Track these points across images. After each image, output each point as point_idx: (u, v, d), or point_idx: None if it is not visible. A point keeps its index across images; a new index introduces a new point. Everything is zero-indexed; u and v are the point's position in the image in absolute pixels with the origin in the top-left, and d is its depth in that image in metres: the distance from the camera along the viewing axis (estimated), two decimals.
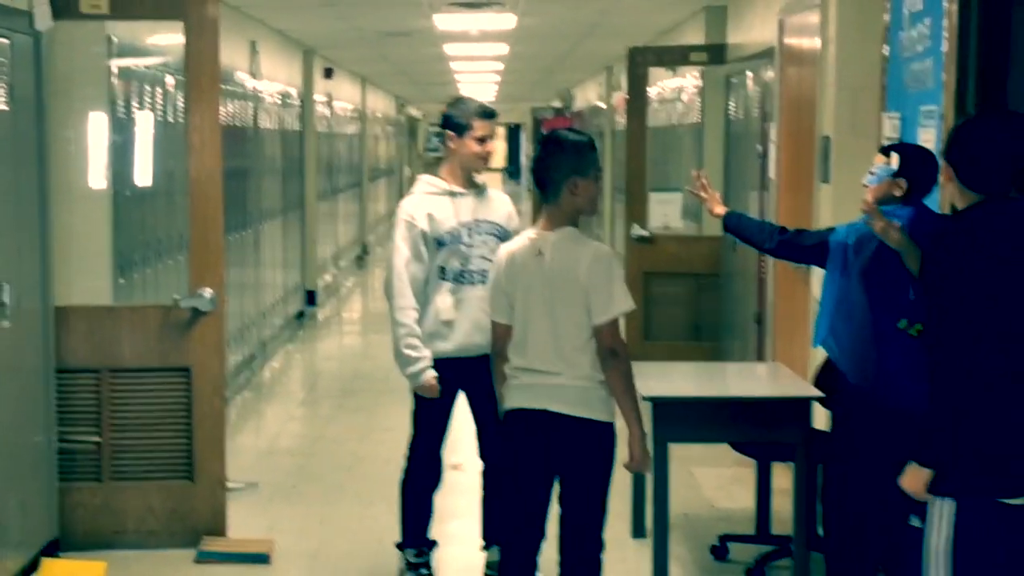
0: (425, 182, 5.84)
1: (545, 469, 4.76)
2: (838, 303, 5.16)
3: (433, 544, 5.99)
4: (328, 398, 10.49)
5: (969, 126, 4.12)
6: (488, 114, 5.82)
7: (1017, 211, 3.94)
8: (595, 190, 4.81)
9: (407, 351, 5.65)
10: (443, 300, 5.70)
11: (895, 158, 5.12)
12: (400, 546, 5.94)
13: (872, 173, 5.17)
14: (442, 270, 5.71)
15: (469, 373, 5.68)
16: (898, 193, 5.07)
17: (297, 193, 14.51)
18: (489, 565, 5.95)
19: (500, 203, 5.92)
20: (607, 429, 4.74)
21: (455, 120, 5.79)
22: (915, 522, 3.95)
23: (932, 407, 3.87)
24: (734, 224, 5.78)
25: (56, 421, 6.33)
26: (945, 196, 4.13)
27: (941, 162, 4.10)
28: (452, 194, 5.77)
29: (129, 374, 6.44)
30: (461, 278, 5.72)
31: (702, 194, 5.86)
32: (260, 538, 6.55)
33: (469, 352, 5.68)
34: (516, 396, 4.80)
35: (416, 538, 5.91)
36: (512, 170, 53.41)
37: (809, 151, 7.41)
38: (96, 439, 6.43)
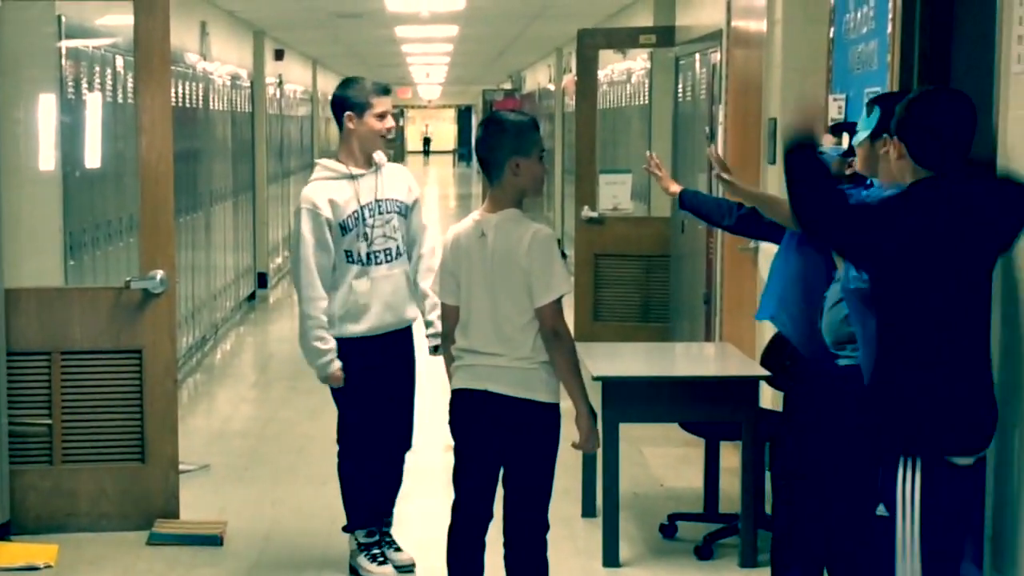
0: (323, 167, 5.80)
1: (489, 449, 4.79)
2: (793, 278, 5.19)
3: (382, 522, 5.99)
4: (280, 380, 10.49)
5: (921, 101, 4.09)
6: (386, 90, 5.80)
7: (963, 192, 3.98)
8: (539, 170, 4.80)
9: (316, 343, 5.67)
10: (353, 283, 5.69)
11: (845, 138, 5.20)
12: (347, 528, 5.96)
13: (821, 154, 5.21)
14: (348, 254, 5.70)
15: (381, 351, 5.75)
16: (848, 172, 5.10)
17: (248, 175, 14.48)
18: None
19: (399, 178, 5.88)
20: (550, 410, 4.75)
21: (353, 100, 5.74)
22: (881, 511, 3.98)
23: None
24: (690, 202, 5.75)
25: (6, 404, 6.31)
26: (892, 172, 4.10)
27: (888, 139, 4.11)
28: (351, 176, 5.73)
29: (80, 356, 6.42)
30: (368, 260, 5.72)
31: (657, 172, 5.86)
32: (212, 520, 6.56)
33: (379, 330, 5.74)
34: (460, 377, 4.83)
35: (364, 518, 5.93)
36: (463, 152, 53.37)
37: (756, 133, 7.48)
38: (47, 422, 6.41)
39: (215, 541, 6.30)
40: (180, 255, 9.55)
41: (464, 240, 4.81)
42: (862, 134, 4.73)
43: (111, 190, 8.19)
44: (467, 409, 4.81)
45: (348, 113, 5.74)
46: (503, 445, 4.77)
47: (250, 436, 8.63)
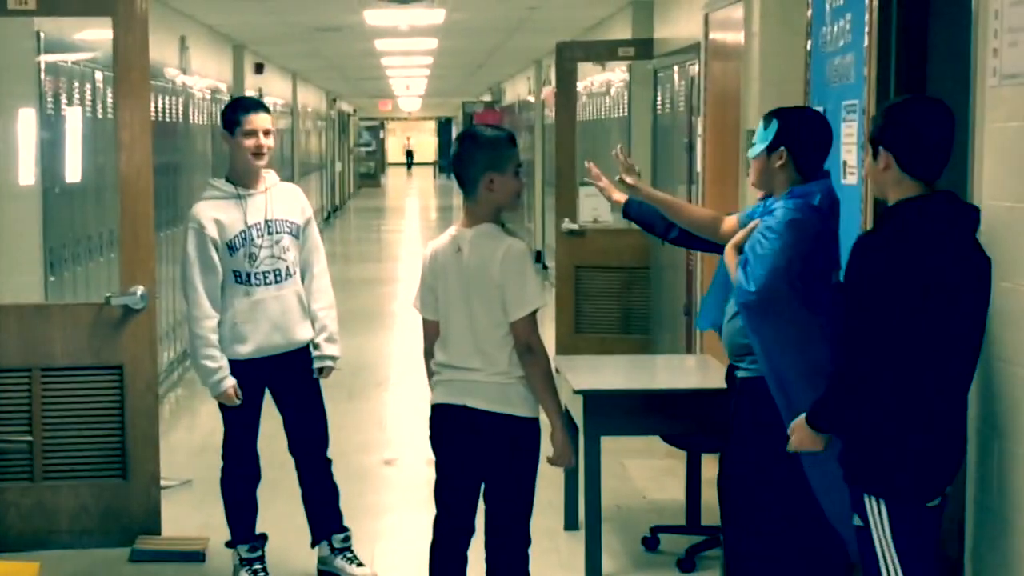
0: (212, 186, 5.78)
1: (469, 464, 4.80)
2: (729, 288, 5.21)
3: (263, 538, 6.04)
4: None
5: (905, 111, 4.07)
6: (253, 106, 5.77)
7: (956, 211, 3.98)
8: (515, 185, 4.79)
9: (206, 362, 5.67)
10: (239, 304, 5.69)
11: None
12: (230, 544, 5.99)
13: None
14: (235, 274, 5.69)
15: (270, 372, 5.78)
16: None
17: None
18: (321, 560, 6.06)
19: (291, 197, 5.86)
20: (528, 425, 4.76)
21: (226, 119, 5.73)
22: (857, 521, 4.02)
23: (841, 383, 3.94)
24: (635, 212, 5.64)
25: None
26: (878, 184, 4.07)
27: (872, 150, 4.04)
28: (238, 196, 5.71)
29: (61, 372, 6.42)
30: (253, 279, 5.70)
31: (599, 184, 5.69)
32: (195, 536, 6.56)
33: (267, 352, 5.74)
34: (438, 392, 4.84)
35: (245, 534, 5.97)
36: (444, 164, 53.38)
37: (735, 144, 7.51)
38: (28, 438, 6.40)
39: (198, 557, 6.30)
40: (161, 269, 9.54)
41: (441, 255, 4.82)
42: (759, 147, 4.79)
43: (91, 205, 8.19)
44: (446, 424, 4.81)
45: (224, 132, 5.75)
46: (483, 460, 4.78)
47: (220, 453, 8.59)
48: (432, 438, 4.89)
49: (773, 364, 4.65)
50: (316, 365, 5.86)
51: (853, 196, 5.57)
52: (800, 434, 4.14)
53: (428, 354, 4.93)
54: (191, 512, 7.05)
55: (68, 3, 6.52)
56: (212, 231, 5.63)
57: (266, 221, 5.71)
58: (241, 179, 5.75)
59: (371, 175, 47.50)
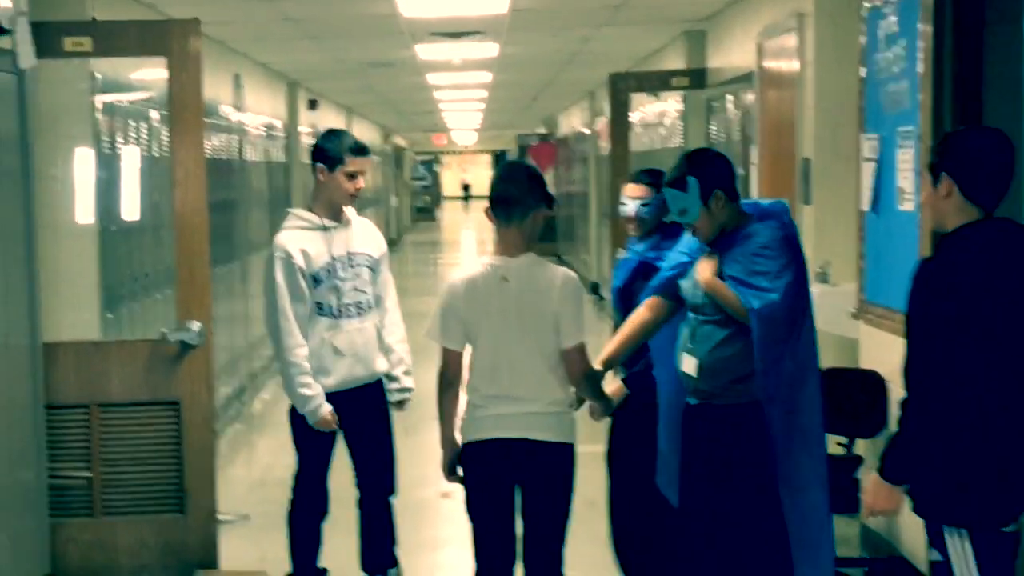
0: (297, 216, 5.79)
1: (510, 499, 4.82)
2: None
3: (324, 573, 6.04)
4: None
5: (967, 138, 4.09)
6: (361, 150, 5.78)
7: (1018, 235, 3.95)
8: (543, 223, 4.91)
9: (302, 390, 5.69)
10: (325, 335, 5.70)
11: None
12: None
13: (622, 204, 5.45)
14: (319, 306, 5.71)
15: (346, 405, 5.76)
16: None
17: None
18: None
19: (368, 232, 5.91)
20: (571, 450, 4.84)
21: (327, 153, 5.74)
22: (935, 555, 3.97)
23: (911, 427, 3.90)
24: (631, 363, 5.48)
25: (47, 457, 6.34)
26: (938, 212, 4.03)
27: (933, 177, 4.00)
28: (324, 228, 5.73)
29: (118, 408, 6.45)
30: (338, 312, 5.72)
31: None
32: (253, 570, 6.57)
33: (349, 384, 5.76)
34: (488, 426, 4.80)
35: (306, 569, 5.98)
36: None
37: (790, 173, 7.47)
38: (87, 474, 6.43)
39: None
40: (217, 305, 9.59)
41: (480, 286, 4.79)
42: (694, 209, 4.78)
43: (147, 242, 8.25)
44: (500, 457, 4.79)
45: (320, 165, 5.74)
46: (530, 486, 4.79)
47: (290, 485, 8.61)
48: (474, 475, 4.86)
49: (773, 379, 4.66)
50: (395, 399, 5.90)
51: (910, 223, 5.53)
52: (876, 493, 4.02)
53: (451, 385, 4.89)
54: (249, 546, 7.06)
55: (123, 44, 6.57)
56: (300, 260, 5.66)
57: (348, 254, 5.74)
58: (327, 212, 5.77)
59: (427, 209, 47.64)
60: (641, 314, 5.08)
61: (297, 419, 5.82)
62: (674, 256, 5.05)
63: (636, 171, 5.74)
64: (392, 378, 5.88)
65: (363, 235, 5.86)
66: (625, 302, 5.36)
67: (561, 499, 4.83)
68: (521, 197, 4.78)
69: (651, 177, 5.45)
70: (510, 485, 4.81)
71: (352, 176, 5.73)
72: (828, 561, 4.80)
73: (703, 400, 4.83)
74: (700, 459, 4.86)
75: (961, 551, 3.90)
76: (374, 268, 5.82)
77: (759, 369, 4.66)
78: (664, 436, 5.11)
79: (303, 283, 5.66)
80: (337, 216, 5.78)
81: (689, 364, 4.83)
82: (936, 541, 3.96)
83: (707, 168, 4.84)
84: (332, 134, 5.86)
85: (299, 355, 5.66)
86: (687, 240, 5.03)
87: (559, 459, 4.78)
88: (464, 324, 4.81)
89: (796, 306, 4.68)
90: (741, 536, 4.78)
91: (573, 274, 4.86)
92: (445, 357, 4.89)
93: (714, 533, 4.83)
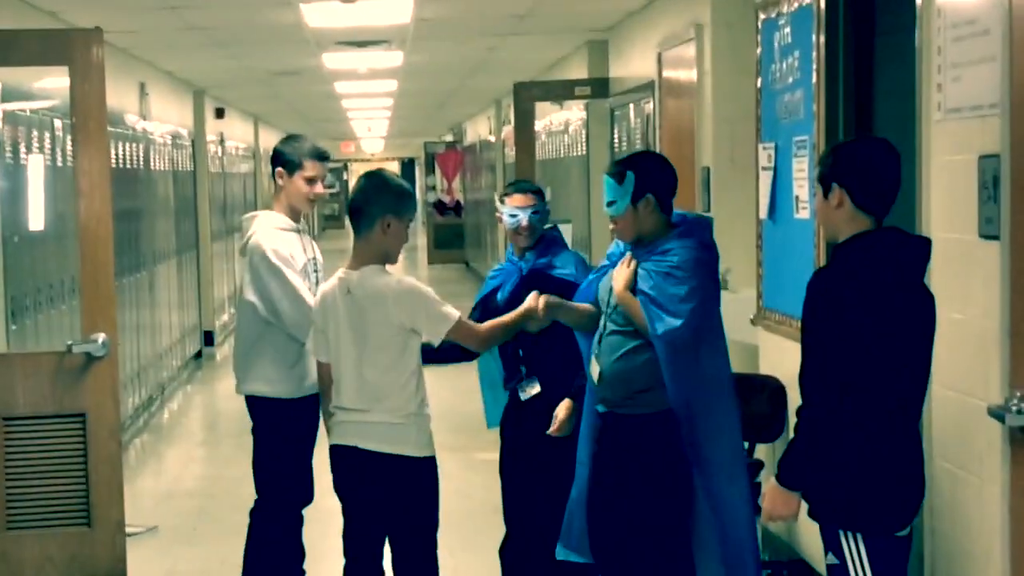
0: (273, 217, 5.71)
1: (369, 507, 4.87)
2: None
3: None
4: (228, 438, 10.47)
5: (856, 148, 4.17)
6: (320, 156, 5.73)
7: (908, 245, 4.04)
8: (404, 237, 4.90)
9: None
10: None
11: (548, 192, 5.42)
12: None
13: (513, 216, 5.46)
14: None
15: (316, 410, 5.57)
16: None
17: (191, 233, 14.49)
18: None
19: (313, 241, 5.87)
20: (423, 464, 4.83)
21: (286, 157, 5.70)
22: (831, 559, 4.06)
23: (807, 434, 3.98)
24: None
25: None
26: (830, 223, 4.11)
27: (824, 188, 4.08)
28: (298, 231, 5.71)
29: (23, 422, 6.39)
30: None
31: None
32: None
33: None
34: (334, 433, 4.92)
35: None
36: None
37: (690, 181, 7.58)
38: None
39: None
40: (124, 315, 9.55)
41: (330, 298, 4.87)
42: (622, 202, 4.83)
43: (52, 253, 8.19)
44: (342, 466, 4.89)
45: (279, 169, 5.71)
46: (382, 502, 4.84)
47: (198, 496, 8.61)
48: (334, 481, 4.96)
49: (684, 395, 4.73)
50: None
51: (806, 230, 5.65)
52: (774, 499, 4.09)
53: (324, 395, 5.01)
54: (157, 559, 7.06)
55: (25, 53, 6.52)
56: (287, 253, 5.56)
57: (314, 259, 5.73)
58: (288, 216, 5.71)
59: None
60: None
61: (281, 422, 5.67)
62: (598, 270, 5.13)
63: (513, 183, 5.77)
64: None
65: (313, 243, 5.85)
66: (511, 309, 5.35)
67: (411, 514, 4.85)
68: (368, 206, 4.83)
69: (532, 186, 5.58)
70: (360, 493, 4.86)
71: (311, 181, 5.68)
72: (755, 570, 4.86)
73: (608, 408, 4.89)
74: (607, 468, 4.91)
75: (856, 554, 3.98)
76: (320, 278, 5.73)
77: (667, 382, 4.74)
78: (581, 444, 5.15)
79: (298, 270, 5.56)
80: (297, 220, 5.74)
81: (595, 369, 4.90)
82: (832, 544, 4.04)
83: (650, 171, 4.87)
84: (291, 139, 5.82)
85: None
86: (611, 248, 5.10)
87: (397, 470, 4.80)
88: (324, 336, 4.89)
89: (702, 326, 4.71)
90: (645, 546, 4.85)
91: (409, 279, 4.85)
92: (318, 368, 5.04)
93: (620, 541, 4.90)
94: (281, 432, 5.62)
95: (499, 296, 5.50)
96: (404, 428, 4.79)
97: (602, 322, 4.93)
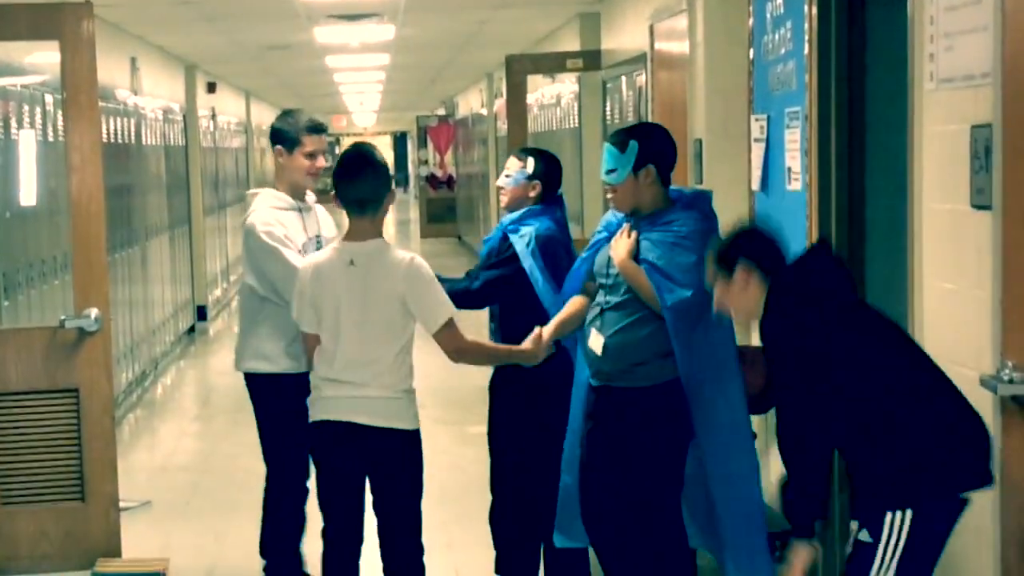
0: (272, 196, 5.66)
1: (354, 478, 4.87)
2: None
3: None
4: (221, 413, 10.48)
5: (750, 231, 4.32)
6: (317, 129, 5.66)
7: (825, 264, 4.12)
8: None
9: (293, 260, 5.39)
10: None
11: (530, 161, 5.48)
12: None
13: (508, 176, 5.52)
14: None
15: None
16: (532, 194, 5.46)
17: (183, 208, 14.46)
18: None
19: (326, 218, 5.82)
20: (411, 436, 4.86)
21: (284, 134, 5.64)
22: (865, 536, 3.95)
23: (801, 480, 3.96)
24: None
25: None
26: (743, 305, 4.14)
27: (725, 271, 4.13)
28: (298, 209, 5.65)
29: (16, 397, 6.40)
30: None
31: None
32: (155, 557, 6.55)
33: None
34: (320, 407, 4.87)
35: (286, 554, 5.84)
36: (400, 178, 53.32)
37: (683, 153, 7.55)
38: None
39: None
40: (117, 290, 9.54)
41: (326, 269, 4.83)
42: (623, 170, 4.85)
43: (44, 228, 8.18)
44: (328, 439, 4.86)
45: (278, 147, 5.66)
46: (368, 474, 4.85)
47: (192, 470, 8.62)
48: (314, 452, 4.94)
49: (693, 365, 4.76)
50: None
51: (798, 202, 5.65)
52: (799, 557, 4.01)
53: (308, 364, 4.97)
54: (151, 534, 7.06)
55: (14, 27, 6.50)
56: (282, 232, 5.50)
57: (317, 236, 5.64)
58: (291, 194, 5.65)
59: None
60: (573, 306, 5.11)
61: (280, 405, 5.59)
62: (593, 237, 5.13)
63: (519, 149, 5.83)
64: None
65: (324, 220, 5.77)
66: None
67: (400, 485, 4.86)
68: (379, 185, 4.86)
69: (524, 153, 5.62)
70: (349, 469, 4.87)
71: (311, 155, 5.62)
72: (762, 544, 4.84)
73: (603, 382, 4.90)
74: (599, 443, 4.92)
75: (896, 533, 3.82)
76: None
77: (677, 352, 4.75)
78: (572, 416, 5.15)
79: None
80: (301, 198, 5.68)
81: (596, 342, 4.90)
82: (870, 522, 3.87)
83: (653, 142, 4.92)
84: (287, 114, 5.73)
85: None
86: (605, 219, 5.11)
87: (388, 445, 4.81)
88: (313, 307, 4.85)
89: (709, 300, 4.74)
90: (635, 519, 4.86)
91: (420, 259, 4.85)
92: (305, 339, 4.97)
93: (614, 513, 4.91)
94: (281, 407, 5.58)
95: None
96: (399, 403, 4.81)
97: (601, 296, 4.92)
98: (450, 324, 4.80)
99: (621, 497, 4.85)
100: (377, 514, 4.90)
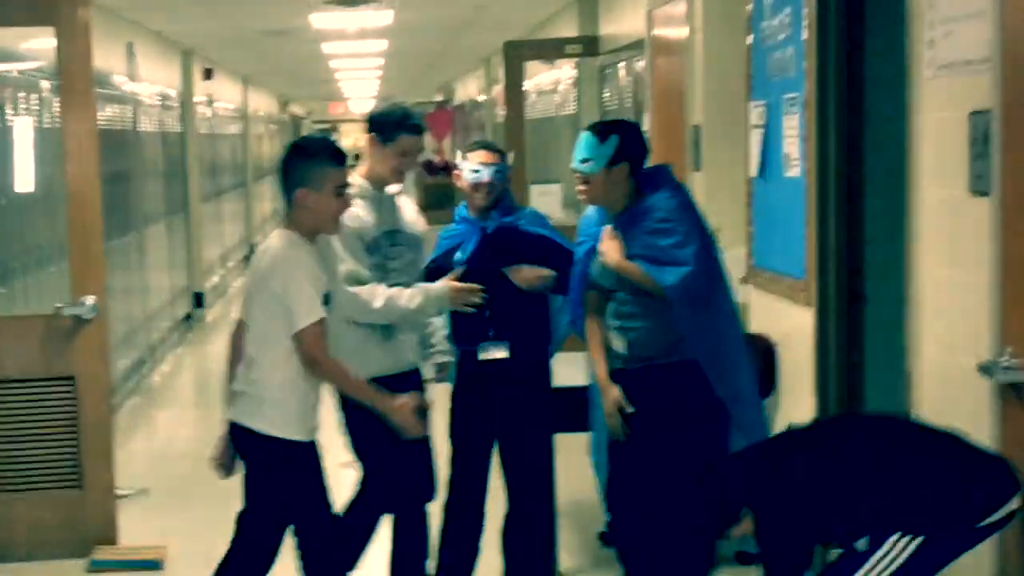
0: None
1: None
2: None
3: None
4: (219, 400, 10.42)
5: None
6: (416, 129, 5.26)
7: None
8: (333, 207, 4.52)
9: (409, 304, 5.09)
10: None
11: (511, 156, 5.39)
12: None
13: (476, 171, 5.31)
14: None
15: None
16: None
17: (180, 195, 14.44)
18: None
19: (410, 209, 5.39)
20: (266, 442, 4.52)
21: (384, 124, 5.22)
22: (863, 545, 3.90)
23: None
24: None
25: None
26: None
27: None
28: (376, 198, 5.19)
29: (13, 385, 6.40)
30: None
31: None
32: (152, 544, 6.55)
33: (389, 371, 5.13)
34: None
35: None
36: None
37: (681, 139, 7.56)
38: None
39: (155, 566, 6.30)
40: (113, 278, 9.52)
41: (252, 263, 4.67)
42: (598, 162, 4.83)
43: (40, 215, 8.16)
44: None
45: (372, 134, 5.25)
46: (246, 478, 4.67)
47: (190, 458, 8.59)
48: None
49: (703, 342, 4.78)
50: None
51: (796, 188, 5.63)
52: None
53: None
54: (148, 521, 7.05)
55: (9, 13, 6.48)
56: (352, 223, 5.03)
57: (394, 230, 5.23)
58: (373, 183, 5.23)
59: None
60: (591, 329, 5.05)
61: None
62: (578, 247, 5.10)
63: (477, 141, 5.60)
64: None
65: (406, 212, 5.35)
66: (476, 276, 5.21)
67: (267, 494, 4.61)
68: (284, 179, 4.56)
69: (497, 147, 5.48)
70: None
71: (404, 154, 5.23)
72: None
73: (644, 363, 4.88)
74: (643, 417, 4.89)
75: (896, 553, 3.77)
76: (416, 249, 5.32)
77: (686, 332, 4.76)
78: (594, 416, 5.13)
79: (357, 244, 5.08)
80: (381, 189, 5.26)
81: (619, 343, 4.90)
82: (877, 539, 3.81)
83: (632, 140, 4.92)
84: (392, 107, 5.35)
85: (380, 298, 5.01)
86: (583, 225, 5.09)
87: (245, 444, 4.58)
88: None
89: (709, 269, 4.77)
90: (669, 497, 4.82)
91: (299, 252, 4.48)
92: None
93: (645, 491, 4.90)
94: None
95: (457, 255, 5.30)
96: (267, 403, 4.50)
97: (611, 306, 4.92)
98: (316, 326, 4.44)
99: (655, 467, 4.84)
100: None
